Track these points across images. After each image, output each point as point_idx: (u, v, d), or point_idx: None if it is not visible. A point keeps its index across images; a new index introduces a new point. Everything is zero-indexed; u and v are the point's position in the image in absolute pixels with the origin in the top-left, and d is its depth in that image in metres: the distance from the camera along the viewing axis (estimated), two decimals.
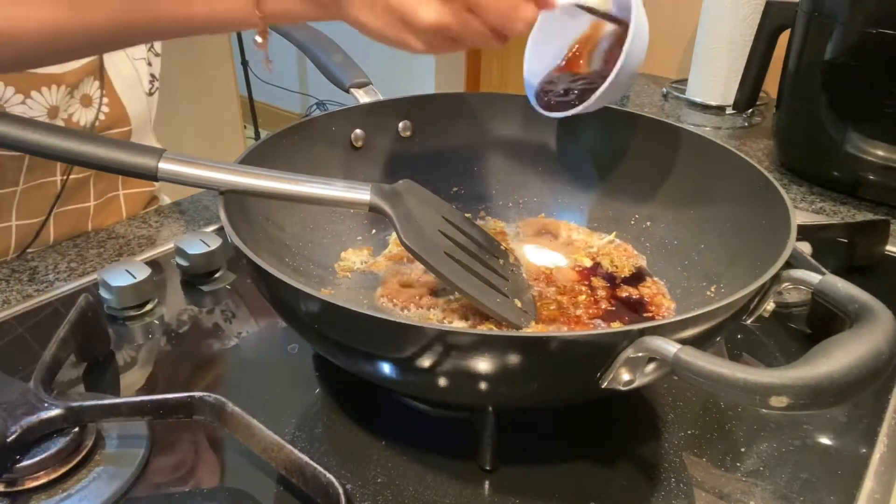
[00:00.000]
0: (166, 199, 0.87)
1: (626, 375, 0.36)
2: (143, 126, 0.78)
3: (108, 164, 0.46)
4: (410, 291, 0.55)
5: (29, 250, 0.72)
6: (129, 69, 0.74)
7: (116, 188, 0.79)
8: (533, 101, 0.60)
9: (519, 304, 0.51)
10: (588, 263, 0.59)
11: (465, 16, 0.43)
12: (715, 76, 1.07)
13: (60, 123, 0.68)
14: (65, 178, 0.71)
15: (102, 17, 0.48)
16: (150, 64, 0.78)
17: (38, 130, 0.46)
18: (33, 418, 0.42)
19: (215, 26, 0.50)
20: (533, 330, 0.50)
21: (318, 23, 0.71)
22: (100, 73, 0.71)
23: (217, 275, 0.63)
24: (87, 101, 0.70)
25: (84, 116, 0.70)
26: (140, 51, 0.75)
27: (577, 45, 0.61)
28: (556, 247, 0.62)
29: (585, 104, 0.56)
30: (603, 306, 0.54)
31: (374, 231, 0.64)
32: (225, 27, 0.49)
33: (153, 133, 0.82)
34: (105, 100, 0.72)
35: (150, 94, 0.79)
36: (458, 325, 0.51)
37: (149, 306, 0.58)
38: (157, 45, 0.78)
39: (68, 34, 0.48)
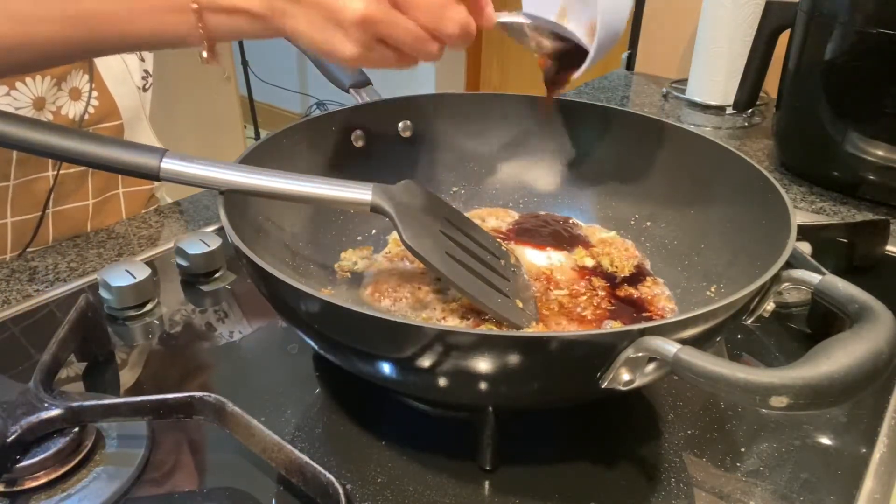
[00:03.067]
0: (167, 199, 0.87)
1: (626, 375, 0.36)
2: (135, 121, 0.78)
3: (111, 163, 0.46)
4: (401, 289, 0.55)
5: (28, 250, 0.72)
6: (119, 63, 0.75)
7: (116, 187, 0.79)
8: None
9: (520, 305, 0.51)
10: (588, 263, 0.59)
11: (393, 13, 0.43)
12: (715, 76, 1.07)
13: (48, 115, 0.69)
14: (55, 172, 0.71)
15: (47, 34, 0.49)
16: (142, 59, 0.78)
17: (39, 129, 0.46)
18: (33, 418, 0.42)
19: (160, 43, 0.50)
20: (533, 330, 0.50)
21: None
22: (88, 66, 0.71)
23: (217, 275, 0.63)
24: (76, 95, 0.70)
25: (73, 109, 0.70)
26: None
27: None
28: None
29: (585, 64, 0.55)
30: (603, 306, 0.54)
31: (374, 231, 0.64)
32: (169, 43, 0.50)
33: (150, 128, 0.82)
34: (94, 93, 0.72)
35: (144, 89, 0.79)
36: (458, 324, 0.51)
37: (149, 306, 0.58)
38: None
39: (14, 49, 0.49)
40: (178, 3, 0.46)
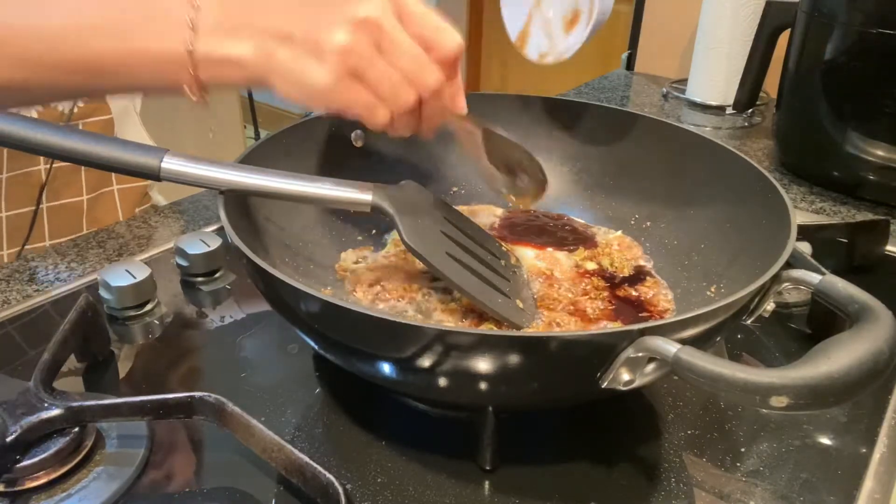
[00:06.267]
0: (160, 199, 0.87)
1: (626, 375, 0.36)
2: (125, 116, 0.79)
3: (112, 163, 0.46)
4: (400, 289, 0.55)
5: (28, 246, 0.72)
6: None
7: (110, 183, 0.80)
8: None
9: (520, 305, 0.51)
10: (589, 264, 0.59)
11: (375, 54, 0.43)
12: (715, 76, 1.07)
13: (37, 107, 0.69)
14: (48, 166, 0.72)
15: (47, 79, 0.48)
16: None
17: (40, 129, 0.46)
18: (33, 418, 0.42)
19: (156, 90, 0.50)
20: (533, 330, 0.50)
21: None
22: None
23: (217, 275, 0.63)
24: None
25: (62, 102, 0.71)
26: None
27: None
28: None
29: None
30: (603, 306, 0.54)
31: (374, 231, 0.64)
32: (165, 92, 0.49)
33: (141, 124, 0.83)
34: None
35: None
36: (458, 324, 0.51)
37: (149, 306, 0.58)
38: None
39: (15, 91, 0.49)
40: (174, 56, 0.46)
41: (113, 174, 0.79)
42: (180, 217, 0.75)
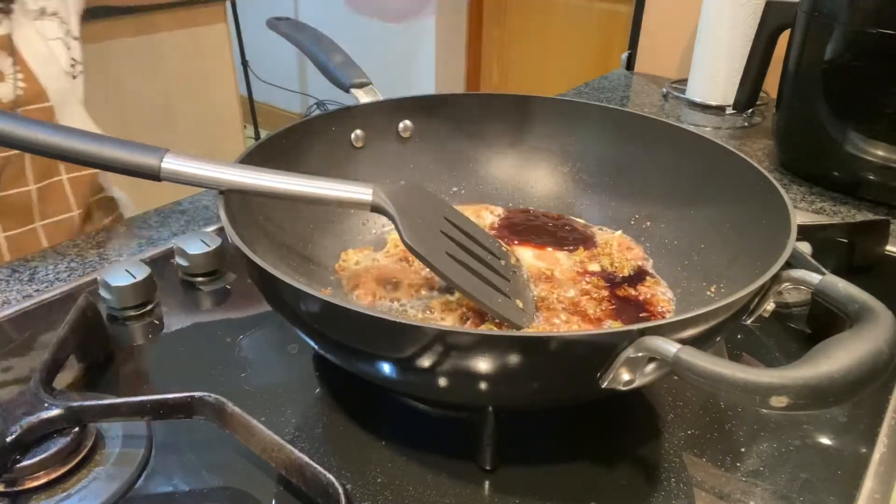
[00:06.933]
0: (121, 194, 0.87)
1: (626, 375, 0.36)
2: (65, 105, 0.78)
3: (110, 163, 0.46)
4: (399, 289, 0.55)
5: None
6: (42, 47, 0.75)
7: (58, 172, 0.79)
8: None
9: (520, 305, 0.51)
10: (589, 264, 0.59)
11: None
12: (715, 76, 1.07)
13: None
14: None
15: None
16: (68, 48, 0.79)
17: (40, 129, 0.46)
18: (33, 418, 0.42)
19: None
20: (534, 330, 0.50)
21: (318, 23, 0.72)
22: (10, 47, 0.72)
23: (217, 275, 0.63)
24: (0, 77, 0.71)
25: (2, 90, 0.71)
26: (53, 30, 0.76)
27: None
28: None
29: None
30: (603, 306, 0.54)
31: (374, 231, 0.64)
32: None
33: (86, 114, 0.82)
34: (20, 76, 0.73)
35: (74, 77, 0.79)
36: (458, 324, 0.51)
37: (149, 306, 0.58)
38: (75, 29, 0.80)
39: None
40: None
41: (62, 165, 0.78)
42: (180, 217, 0.75)
